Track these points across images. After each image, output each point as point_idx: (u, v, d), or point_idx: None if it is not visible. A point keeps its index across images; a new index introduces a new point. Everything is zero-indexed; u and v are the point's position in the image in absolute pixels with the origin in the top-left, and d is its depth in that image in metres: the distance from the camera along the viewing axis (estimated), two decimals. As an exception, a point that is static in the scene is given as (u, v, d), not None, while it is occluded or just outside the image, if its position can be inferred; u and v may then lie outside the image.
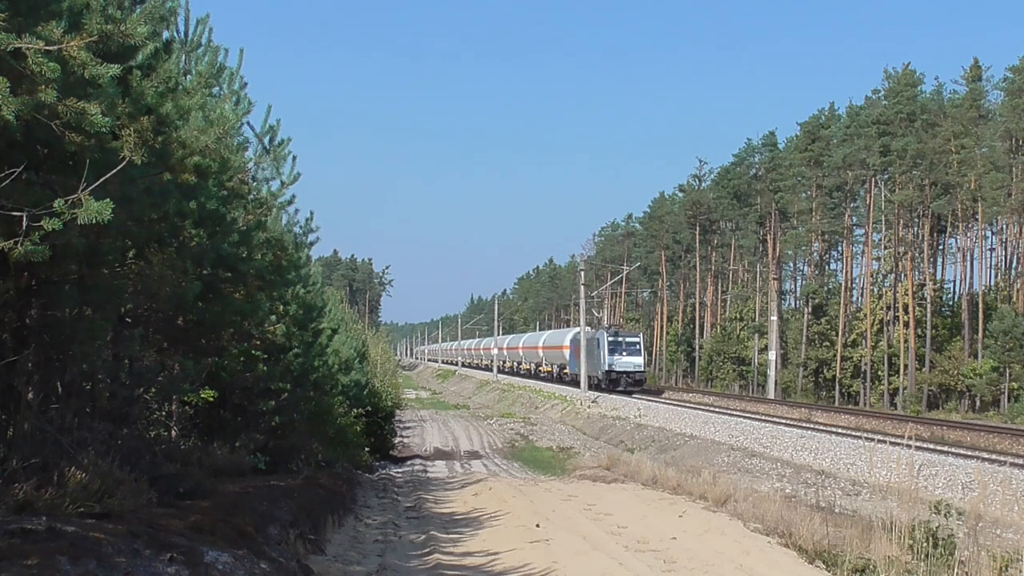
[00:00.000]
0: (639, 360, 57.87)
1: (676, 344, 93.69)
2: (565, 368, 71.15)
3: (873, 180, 67.88)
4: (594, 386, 57.65)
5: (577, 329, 65.35)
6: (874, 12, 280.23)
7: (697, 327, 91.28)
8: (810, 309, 72.36)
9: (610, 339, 57.54)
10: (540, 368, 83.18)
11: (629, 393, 55.10)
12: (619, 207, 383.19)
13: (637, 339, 59.19)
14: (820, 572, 11.53)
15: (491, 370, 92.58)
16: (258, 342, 14.21)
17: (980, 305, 59.05)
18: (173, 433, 13.01)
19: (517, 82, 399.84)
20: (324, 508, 13.45)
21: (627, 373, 57.01)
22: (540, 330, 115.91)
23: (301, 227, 16.65)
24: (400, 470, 29.09)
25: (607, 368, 56.89)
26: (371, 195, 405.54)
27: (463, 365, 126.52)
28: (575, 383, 62.13)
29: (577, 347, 60.86)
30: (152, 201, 8.25)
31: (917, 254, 64.79)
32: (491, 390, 76.26)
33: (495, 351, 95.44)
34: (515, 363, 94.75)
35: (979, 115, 62.19)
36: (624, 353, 57.25)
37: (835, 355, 66.37)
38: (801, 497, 19.77)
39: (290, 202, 14.81)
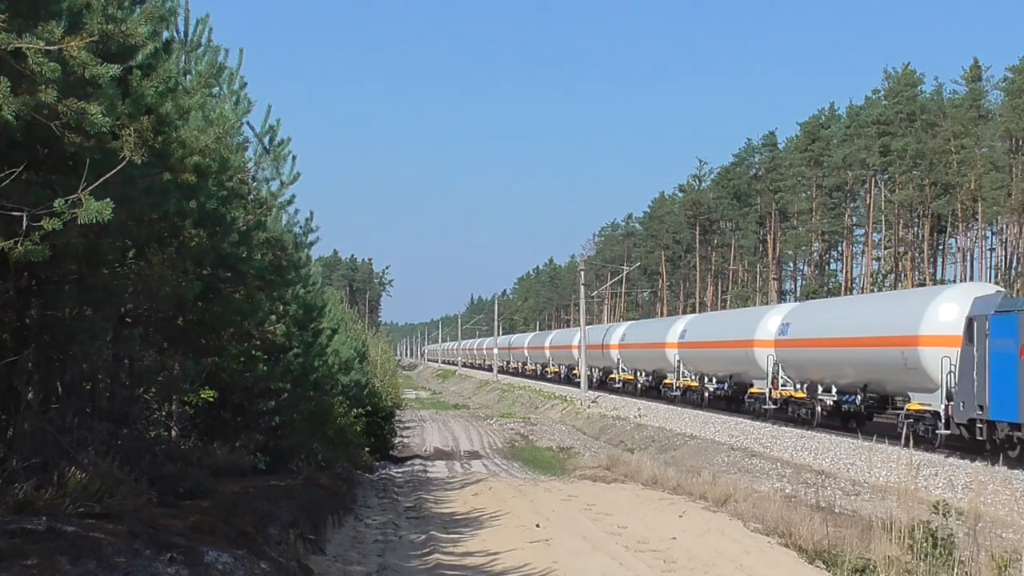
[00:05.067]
0: None
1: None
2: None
3: (873, 180, 67.94)
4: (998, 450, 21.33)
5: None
6: (874, 12, 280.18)
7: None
8: (810, 309, 72.38)
9: None
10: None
11: None
12: (619, 207, 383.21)
13: None
14: (820, 572, 11.53)
15: (491, 370, 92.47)
16: (258, 342, 14.19)
17: (980, 305, 58.95)
18: (173, 433, 13.01)
19: (517, 82, 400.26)
20: (324, 508, 13.46)
21: None
22: (542, 329, 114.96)
23: (301, 227, 16.66)
24: (400, 470, 29.09)
25: None
26: (371, 195, 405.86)
27: (463, 365, 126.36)
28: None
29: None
30: (152, 201, 8.24)
31: (917, 254, 64.81)
32: (491, 390, 76.25)
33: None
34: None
35: (979, 115, 62.23)
36: None
37: (835, 355, 66.23)
38: (801, 497, 19.75)
39: (290, 202, 14.83)
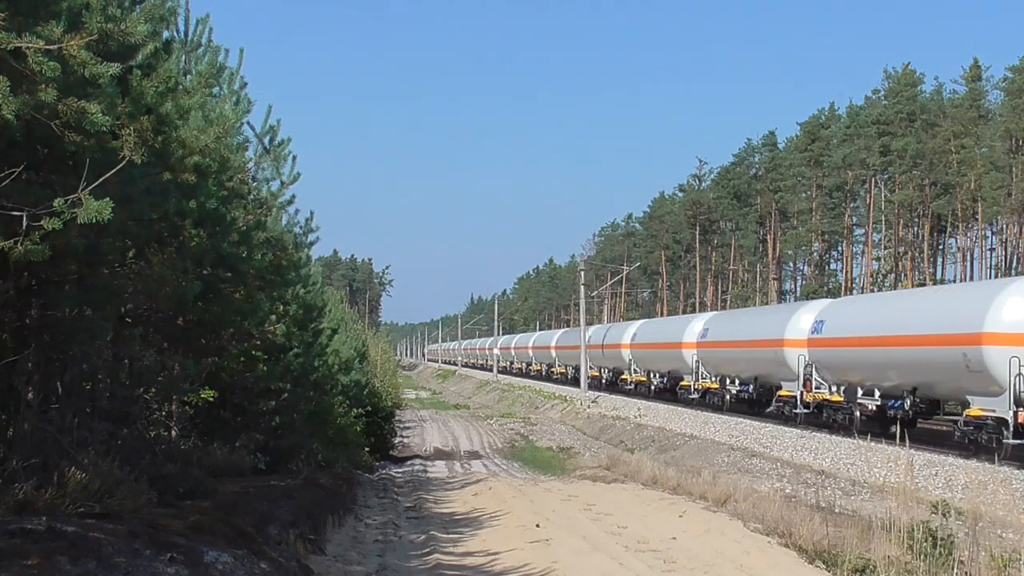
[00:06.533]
0: None
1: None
2: None
3: (873, 180, 67.97)
4: None
5: None
6: (874, 12, 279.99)
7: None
8: (810, 309, 72.23)
9: None
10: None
11: None
12: (619, 207, 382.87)
13: None
14: (820, 572, 11.53)
15: (492, 369, 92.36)
16: (258, 342, 14.20)
17: (980, 305, 58.88)
18: (173, 433, 13.00)
19: (517, 82, 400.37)
20: (324, 508, 13.46)
21: None
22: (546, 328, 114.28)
23: (301, 227, 16.65)
24: (400, 470, 29.08)
25: None
26: (371, 195, 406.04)
27: (464, 366, 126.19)
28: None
29: None
30: (152, 201, 8.24)
31: (917, 254, 64.80)
32: (491, 390, 76.25)
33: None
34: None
35: (979, 115, 62.27)
36: None
37: (835, 355, 66.13)
38: (801, 497, 19.75)
39: (290, 202, 14.83)
